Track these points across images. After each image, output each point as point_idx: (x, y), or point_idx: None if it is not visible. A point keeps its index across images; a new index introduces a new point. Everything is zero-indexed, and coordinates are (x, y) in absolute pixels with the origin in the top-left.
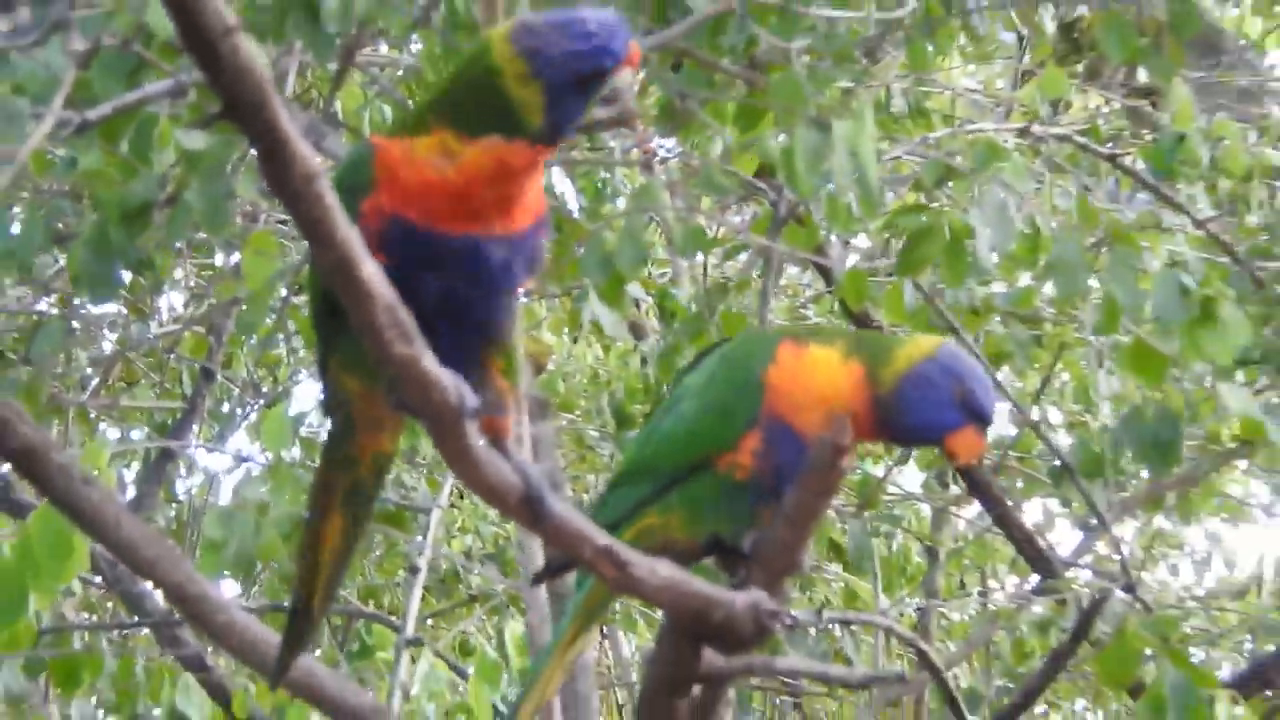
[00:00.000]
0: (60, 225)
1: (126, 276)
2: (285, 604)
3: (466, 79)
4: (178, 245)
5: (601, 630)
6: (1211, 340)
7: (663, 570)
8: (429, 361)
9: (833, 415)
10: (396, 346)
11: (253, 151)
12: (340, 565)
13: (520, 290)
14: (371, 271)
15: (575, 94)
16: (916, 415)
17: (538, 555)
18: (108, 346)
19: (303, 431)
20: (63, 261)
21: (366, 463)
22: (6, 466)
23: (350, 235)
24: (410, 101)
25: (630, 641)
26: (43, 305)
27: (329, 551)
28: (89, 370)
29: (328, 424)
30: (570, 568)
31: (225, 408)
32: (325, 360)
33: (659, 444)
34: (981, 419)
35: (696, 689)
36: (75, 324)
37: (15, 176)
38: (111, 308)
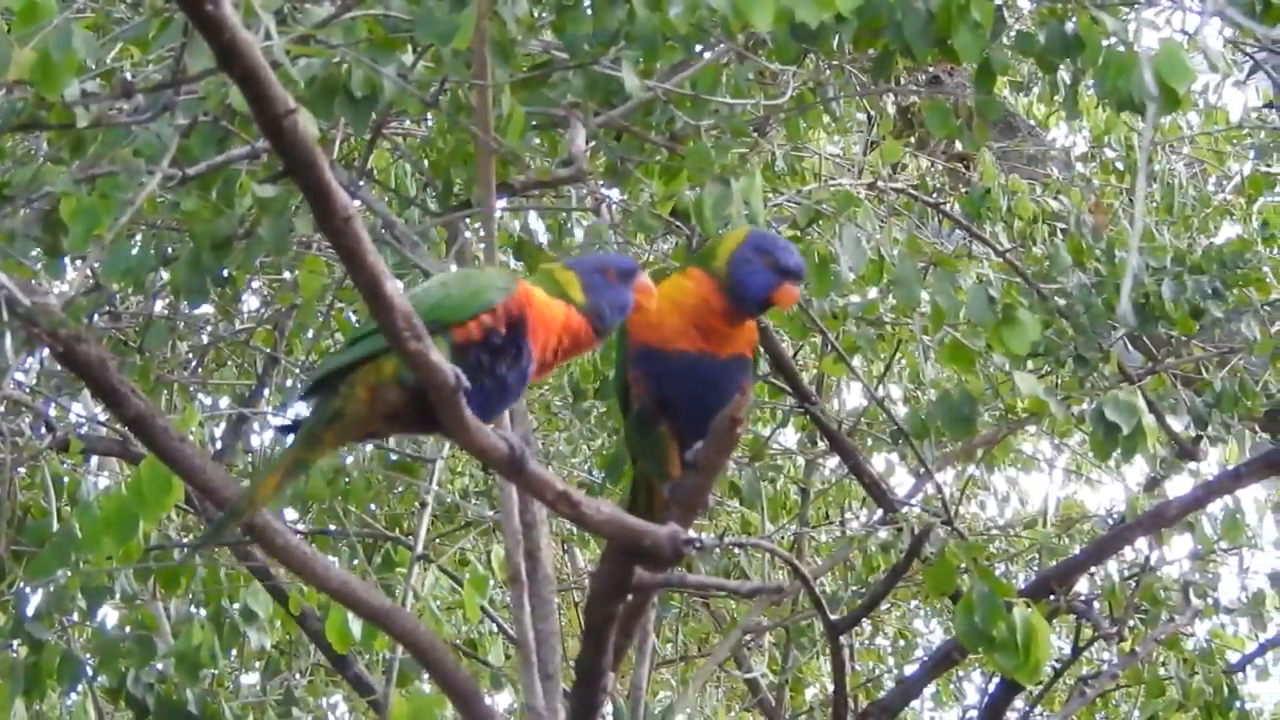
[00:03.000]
0: (169, 250)
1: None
2: (330, 529)
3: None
4: (255, 264)
5: (563, 547)
6: (1011, 336)
7: (605, 509)
8: (434, 355)
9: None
10: (411, 344)
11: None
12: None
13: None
14: (393, 288)
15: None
16: (747, 287)
17: (513, 495)
18: (203, 339)
19: None
20: (167, 276)
21: (329, 447)
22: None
23: (377, 260)
24: (425, 163)
25: (583, 556)
26: (153, 309)
27: (269, 492)
28: (188, 355)
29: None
30: None
31: (288, 384)
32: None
33: (611, 400)
34: (792, 275)
35: (630, 596)
36: (181, 324)
37: (134, 215)
38: (205, 310)
